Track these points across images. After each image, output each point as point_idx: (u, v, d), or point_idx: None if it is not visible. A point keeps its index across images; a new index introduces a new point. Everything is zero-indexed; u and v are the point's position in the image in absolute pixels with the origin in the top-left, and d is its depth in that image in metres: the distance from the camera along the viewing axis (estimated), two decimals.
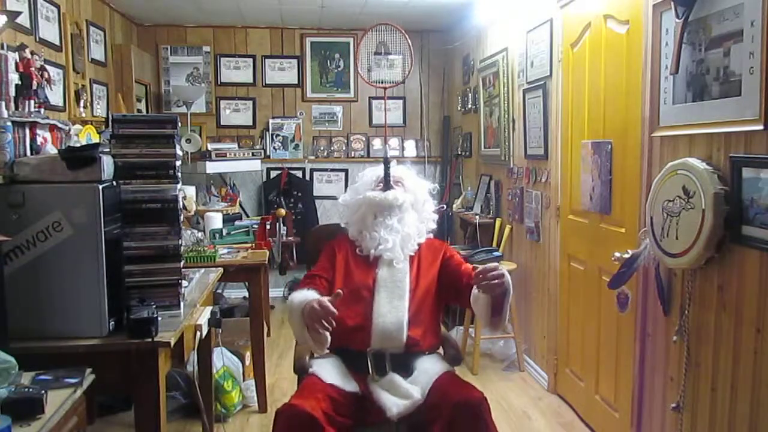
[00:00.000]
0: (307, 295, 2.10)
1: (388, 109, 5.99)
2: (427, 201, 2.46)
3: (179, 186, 2.08)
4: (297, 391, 2.07)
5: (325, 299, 1.98)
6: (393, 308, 2.19)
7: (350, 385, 2.09)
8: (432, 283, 2.32)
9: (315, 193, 5.86)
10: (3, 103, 2.13)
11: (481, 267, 1.99)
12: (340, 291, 2.02)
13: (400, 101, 6.01)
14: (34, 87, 2.58)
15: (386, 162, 2.42)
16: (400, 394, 2.04)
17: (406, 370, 2.14)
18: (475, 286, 2.06)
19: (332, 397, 2.00)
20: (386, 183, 2.39)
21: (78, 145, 2.43)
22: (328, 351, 2.18)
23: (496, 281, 1.94)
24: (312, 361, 2.21)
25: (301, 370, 2.20)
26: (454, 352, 2.33)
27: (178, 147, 2.07)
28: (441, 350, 2.37)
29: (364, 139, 5.97)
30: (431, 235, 2.45)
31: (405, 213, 2.35)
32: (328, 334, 2.00)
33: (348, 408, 2.02)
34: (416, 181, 2.48)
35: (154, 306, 1.94)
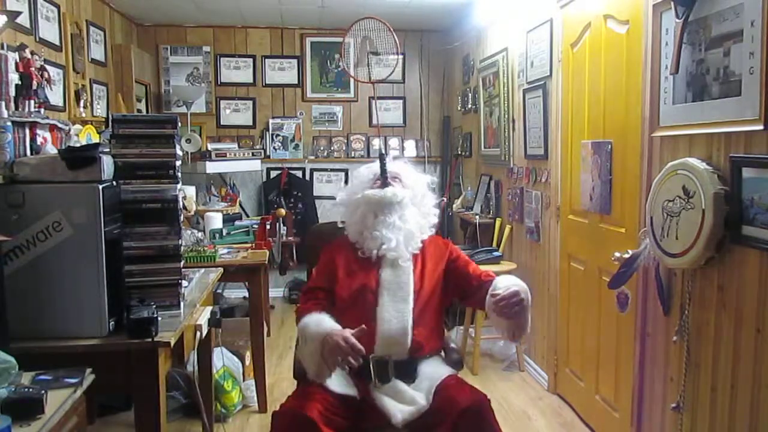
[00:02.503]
0: (321, 321, 2.02)
1: (387, 108, 5.99)
2: (427, 195, 2.38)
3: (179, 186, 2.08)
4: (294, 393, 2.05)
5: (348, 333, 1.92)
6: (397, 312, 2.13)
7: (350, 390, 2.04)
8: (437, 283, 2.25)
9: (315, 193, 5.86)
10: (3, 103, 2.13)
11: (500, 293, 1.98)
12: (364, 327, 1.95)
13: (400, 101, 6.01)
14: (34, 87, 2.58)
15: (382, 157, 2.34)
16: (405, 400, 2.01)
17: (410, 376, 2.10)
18: (490, 294, 2.06)
19: (329, 399, 1.97)
20: (383, 179, 2.31)
21: (78, 145, 2.43)
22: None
23: (516, 309, 1.96)
24: None
25: (300, 375, 2.15)
26: (456, 357, 2.28)
27: (178, 147, 2.07)
28: (442, 353, 2.32)
29: (364, 139, 5.97)
30: (433, 230, 2.39)
31: (405, 209, 2.27)
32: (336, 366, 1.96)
33: (346, 412, 1.99)
34: (414, 176, 2.40)
35: (154, 306, 1.94)
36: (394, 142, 6.00)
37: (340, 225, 2.42)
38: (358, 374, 2.10)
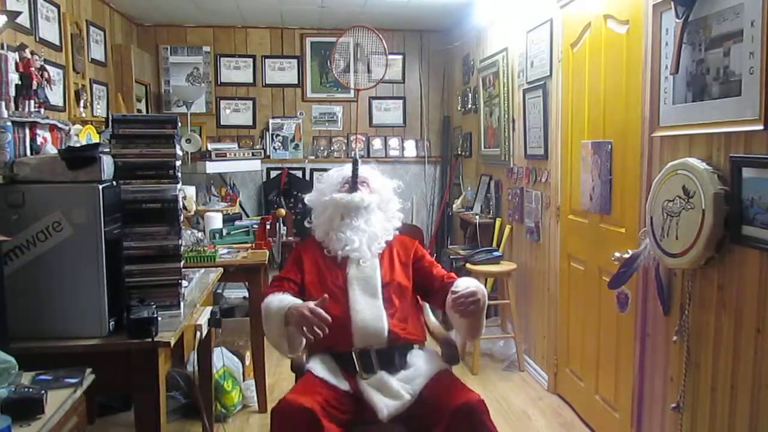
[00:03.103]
0: (284, 299, 2.12)
1: (387, 108, 5.99)
2: (392, 200, 2.47)
3: (179, 186, 2.08)
4: (293, 388, 2.08)
5: (312, 304, 1.99)
6: (368, 304, 2.20)
7: (343, 384, 2.09)
8: (406, 278, 2.34)
9: None
10: (3, 103, 2.13)
11: (458, 292, 2.05)
12: (326, 296, 2.03)
13: (400, 101, 6.01)
14: (34, 87, 2.58)
15: (355, 163, 2.42)
16: (391, 394, 2.05)
17: (395, 366, 2.15)
18: (451, 294, 2.12)
19: (328, 393, 2.01)
20: (353, 184, 2.39)
21: (78, 145, 2.43)
22: (317, 352, 2.20)
23: (472, 307, 2.03)
24: (309, 358, 2.22)
25: (297, 369, 2.21)
26: (451, 351, 2.32)
27: (178, 147, 2.07)
28: (438, 349, 2.37)
29: (364, 139, 5.97)
30: (397, 232, 2.46)
31: (371, 213, 2.37)
32: (304, 339, 2.01)
33: (344, 405, 2.03)
34: (381, 181, 2.49)
35: (154, 306, 1.94)
36: (394, 142, 6.00)
37: (307, 225, 2.49)
38: (345, 367, 2.14)
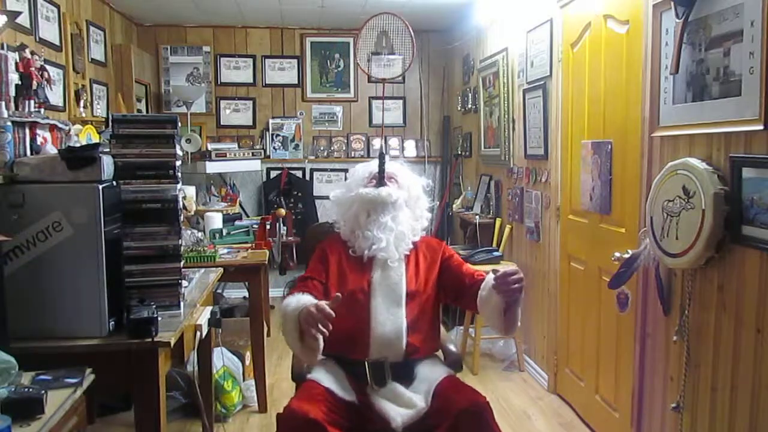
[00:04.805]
0: (301, 299, 2.02)
1: (387, 108, 5.99)
2: (421, 197, 2.37)
3: (179, 186, 2.08)
4: (296, 395, 2.03)
5: (323, 303, 1.89)
6: (391, 315, 2.12)
7: (348, 395, 2.04)
8: (431, 285, 2.25)
9: (315, 193, 5.87)
10: (3, 103, 2.13)
11: (501, 270, 1.93)
12: (338, 295, 1.93)
13: (400, 101, 6.01)
14: (34, 87, 2.58)
15: (381, 157, 2.32)
16: (404, 403, 2.00)
17: (407, 378, 2.10)
18: (483, 288, 2.05)
19: (331, 400, 1.97)
20: (380, 179, 2.29)
21: (78, 145, 2.43)
22: (323, 357, 2.11)
23: (516, 286, 1.90)
24: (311, 367, 2.16)
25: (299, 377, 2.16)
26: (454, 357, 2.28)
27: (178, 147, 2.07)
28: (440, 353, 2.33)
29: (364, 139, 5.97)
30: (425, 233, 2.38)
31: (399, 210, 2.26)
32: (321, 343, 1.90)
33: (347, 414, 1.99)
34: (410, 177, 2.38)
35: (154, 306, 1.94)
36: (394, 142, 6.00)
37: (332, 223, 2.41)
38: (355, 378, 2.09)
